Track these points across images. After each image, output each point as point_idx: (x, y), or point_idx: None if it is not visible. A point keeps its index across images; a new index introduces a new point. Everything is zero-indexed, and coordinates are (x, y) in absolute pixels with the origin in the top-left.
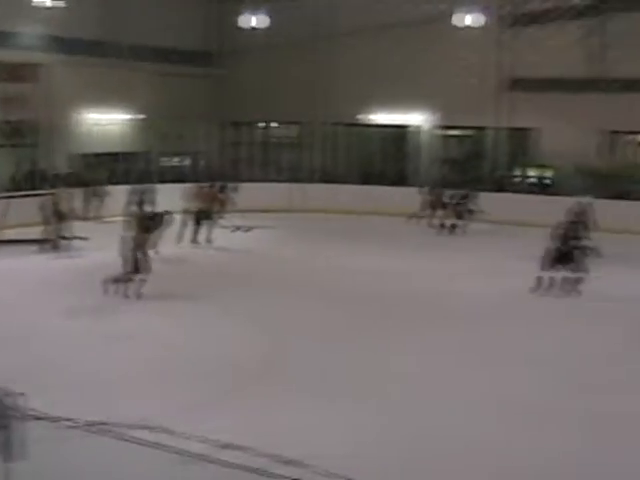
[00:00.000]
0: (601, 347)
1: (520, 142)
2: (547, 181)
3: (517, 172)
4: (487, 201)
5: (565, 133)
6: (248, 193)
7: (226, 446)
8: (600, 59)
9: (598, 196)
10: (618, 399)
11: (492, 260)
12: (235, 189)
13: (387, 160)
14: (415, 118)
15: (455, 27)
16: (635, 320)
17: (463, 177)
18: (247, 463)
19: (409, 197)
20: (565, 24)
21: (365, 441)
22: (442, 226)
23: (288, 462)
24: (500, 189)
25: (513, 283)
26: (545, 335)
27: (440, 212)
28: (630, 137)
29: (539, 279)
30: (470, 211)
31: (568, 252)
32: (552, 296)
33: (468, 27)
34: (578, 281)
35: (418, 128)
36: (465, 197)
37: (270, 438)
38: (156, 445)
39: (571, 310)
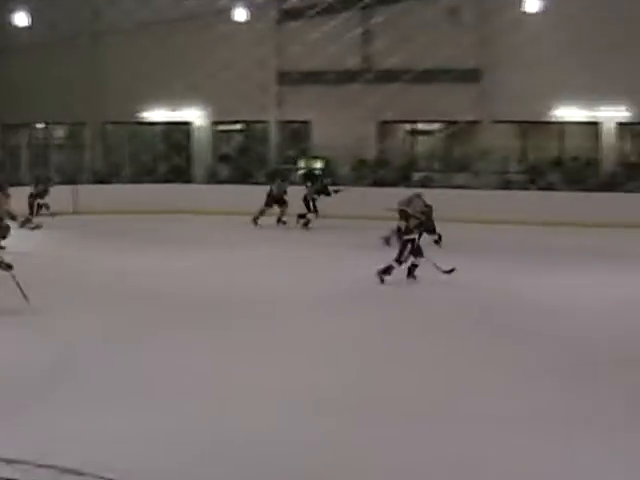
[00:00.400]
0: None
1: (294, 135)
2: (321, 172)
3: (291, 165)
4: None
5: (336, 125)
6: (23, 196)
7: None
8: (364, 51)
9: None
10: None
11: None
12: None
13: (164, 157)
14: (191, 114)
15: (225, 22)
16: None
17: (238, 172)
18: (22, 477)
19: (187, 194)
20: (329, 17)
21: (149, 444)
22: (279, 221)
23: (66, 471)
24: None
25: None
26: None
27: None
28: (400, 126)
29: (389, 268)
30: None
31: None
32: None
33: (237, 22)
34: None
35: (194, 124)
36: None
37: (52, 448)
38: None
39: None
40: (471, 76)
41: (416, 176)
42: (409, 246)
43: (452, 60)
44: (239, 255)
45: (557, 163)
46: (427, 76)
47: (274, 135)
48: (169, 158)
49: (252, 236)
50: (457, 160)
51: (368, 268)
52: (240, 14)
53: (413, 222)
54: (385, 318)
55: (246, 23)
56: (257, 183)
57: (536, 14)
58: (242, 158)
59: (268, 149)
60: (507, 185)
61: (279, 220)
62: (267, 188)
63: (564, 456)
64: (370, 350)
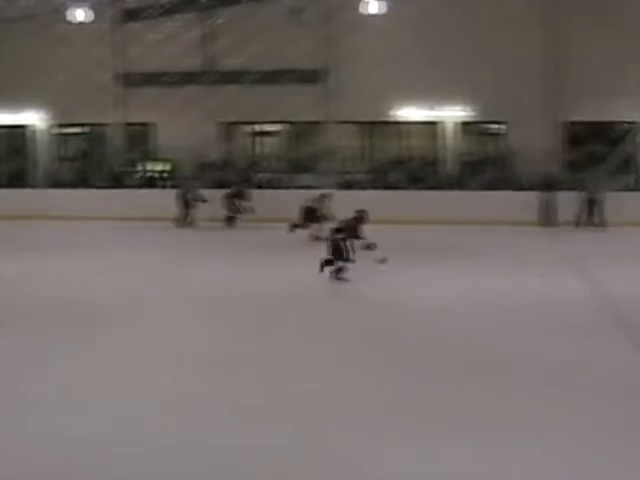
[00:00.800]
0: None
1: (139, 137)
2: (166, 174)
3: (137, 167)
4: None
5: (180, 126)
6: None
7: None
8: (207, 52)
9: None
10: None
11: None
12: None
13: (2, 161)
14: (30, 117)
15: (63, 22)
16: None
17: (80, 175)
18: None
19: (28, 198)
20: (171, 18)
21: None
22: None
23: None
24: (119, 185)
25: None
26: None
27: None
28: (244, 128)
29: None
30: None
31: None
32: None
33: (80, 23)
34: (341, 270)
35: (34, 127)
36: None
37: None
38: None
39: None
40: (314, 77)
41: (259, 177)
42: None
43: (296, 61)
44: (82, 260)
45: (399, 162)
46: (271, 77)
47: (116, 138)
48: (7, 162)
49: (92, 240)
50: (301, 160)
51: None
52: (79, 14)
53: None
54: (224, 323)
55: (85, 24)
56: (97, 187)
57: (379, 15)
58: (83, 162)
59: (110, 152)
60: (350, 184)
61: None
62: (107, 192)
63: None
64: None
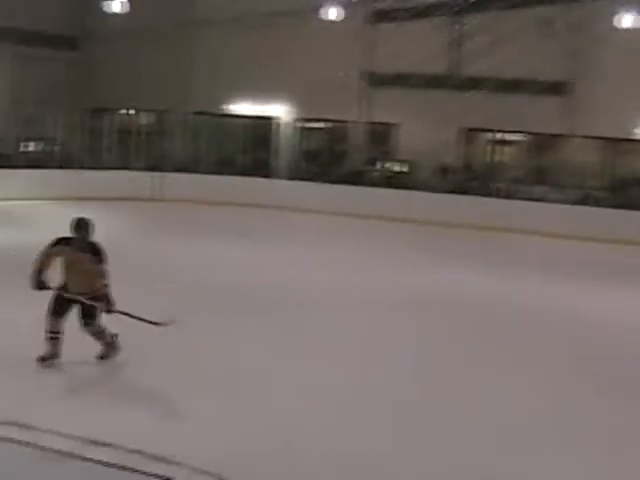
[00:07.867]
0: None
1: (380, 136)
2: (403, 175)
3: (376, 166)
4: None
5: (422, 129)
6: (105, 180)
7: (93, 442)
8: (452, 56)
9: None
10: None
11: None
12: None
13: (247, 150)
14: (277, 109)
15: (318, 21)
16: None
17: (321, 169)
18: (114, 460)
19: (267, 187)
20: (423, 21)
21: (236, 438)
22: None
23: (157, 459)
24: (357, 182)
25: None
26: None
27: None
28: (488, 135)
29: None
30: None
31: None
32: None
33: (330, 21)
34: None
35: (279, 119)
36: None
37: (131, 434)
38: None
39: None
40: (559, 88)
41: (498, 186)
42: None
43: (540, 71)
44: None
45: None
46: (513, 85)
47: (358, 135)
48: (254, 151)
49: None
50: (539, 171)
51: None
52: (332, 13)
53: None
54: None
55: (336, 22)
56: (335, 182)
57: (632, 29)
58: (326, 156)
59: (350, 149)
60: (585, 200)
61: None
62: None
63: None
64: None
